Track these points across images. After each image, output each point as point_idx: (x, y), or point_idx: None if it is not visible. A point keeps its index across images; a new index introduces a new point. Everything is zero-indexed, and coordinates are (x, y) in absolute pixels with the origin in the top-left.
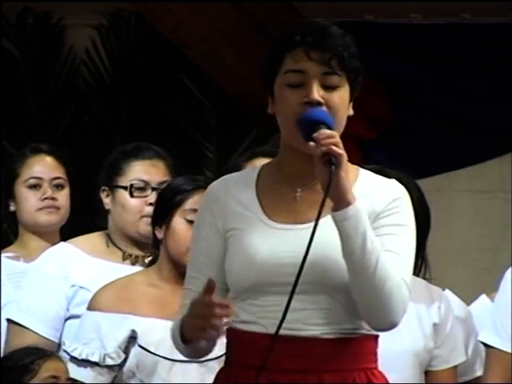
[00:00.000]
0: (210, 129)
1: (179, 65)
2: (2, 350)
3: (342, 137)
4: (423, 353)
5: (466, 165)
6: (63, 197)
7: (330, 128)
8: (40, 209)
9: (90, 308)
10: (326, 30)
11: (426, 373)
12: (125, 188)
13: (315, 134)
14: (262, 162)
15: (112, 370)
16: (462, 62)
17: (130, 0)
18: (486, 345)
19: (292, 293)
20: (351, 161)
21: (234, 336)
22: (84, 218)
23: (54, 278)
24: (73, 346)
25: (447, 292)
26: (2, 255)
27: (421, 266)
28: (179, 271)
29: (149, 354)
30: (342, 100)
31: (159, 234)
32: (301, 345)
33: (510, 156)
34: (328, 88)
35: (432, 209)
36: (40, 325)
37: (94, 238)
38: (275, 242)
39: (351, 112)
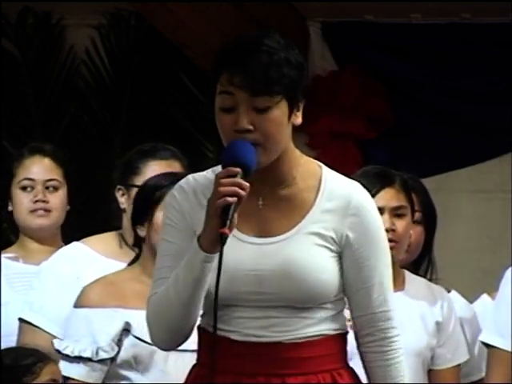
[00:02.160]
0: (210, 129)
1: (179, 65)
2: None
3: (343, 137)
4: (426, 351)
5: (466, 165)
6: (56, 199)
7: (248, 167)
8: (31, 211)
9: (78, 305)
10: (253, 49)
11: (429, 372)
12: None
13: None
14: None
15: (105, 364)
16: (462, 62)
17: (130, 0)
18: (487, 345)
19: (216, 299)
20: (351, 161)
21: (203, 337)
22: (84, 217)
23: (66, 277)
24: (64, 344)
25: (453, 293)
26: (2, 256)
27: (427, 267)
28: None
29: (145, 344)
30: (275, 120)
31: (141, 232)
32: (264, 349)
33: (510, 156)
34: (259, 111)
35: None
36: (52, 324)
37: (107, 239)
38: (239, 256)
39: (299, 121)
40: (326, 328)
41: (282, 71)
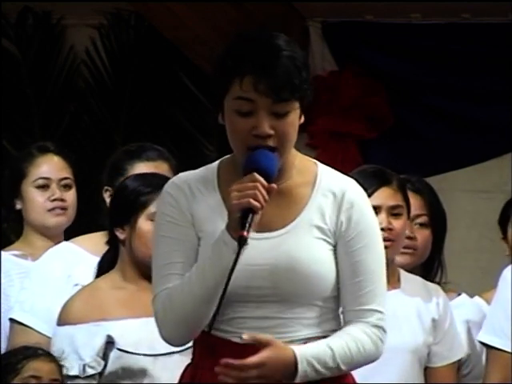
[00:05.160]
0: (210, 129)
1: (179, 65)
2: (2, 349)
3: (343, 136)
4: (422, 348)
5: (466, 165)
6: (71, 197)
7: (270, 175)
8: (49, 210)
9: (61, 323)
10: (276, 53)
11: (426, 369)
12: None
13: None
14: None
15: (93, 379)
16: (462, 62)
17: (130, 0)
18: (485, 344)
19: (222, 297)
20: (351, 161)
21: (203, 339)
22: (85, 217)
23: (57, 277)
24: None
25: (463, 296)
26: (8, 253)
27: (437, 269)
28: (142, 271)
29: (130, 355)
30: (292, 124)
31: (121, 235)
32: None
33: (510, 156)
34: (278, 115)
35: None
36: (43, 324)
37: (97, 238)
38: (245, 252)
39: (302, 121)
40: (320, 331)
41: (302, 76)
